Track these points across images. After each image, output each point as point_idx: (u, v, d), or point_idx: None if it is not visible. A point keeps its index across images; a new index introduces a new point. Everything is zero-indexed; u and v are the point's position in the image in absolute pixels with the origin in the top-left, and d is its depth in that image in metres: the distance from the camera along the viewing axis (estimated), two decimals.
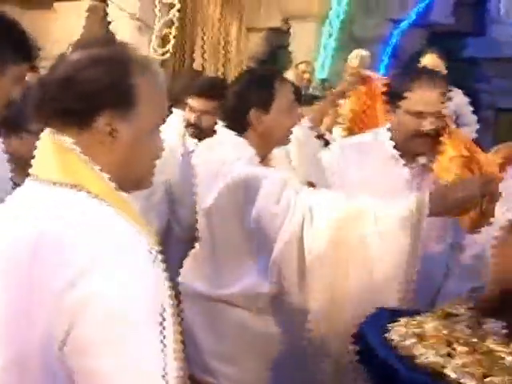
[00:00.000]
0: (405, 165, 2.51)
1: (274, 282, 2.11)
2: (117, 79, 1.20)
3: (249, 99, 2.26)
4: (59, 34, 5.59)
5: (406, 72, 2.76)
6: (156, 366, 1.10)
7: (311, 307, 2.09)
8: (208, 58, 5.73)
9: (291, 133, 2.37)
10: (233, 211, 2.19)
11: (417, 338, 1.69)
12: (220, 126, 2.39)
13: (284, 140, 2.37)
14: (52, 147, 1.21)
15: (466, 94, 5.83)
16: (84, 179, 1.18)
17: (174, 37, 5.40)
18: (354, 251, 2.04)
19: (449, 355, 1.62)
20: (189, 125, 3.16)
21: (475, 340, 1.69)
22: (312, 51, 7.64)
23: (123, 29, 5.49)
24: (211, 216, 2.25)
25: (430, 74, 2.49)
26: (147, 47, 5.39)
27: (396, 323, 1.78)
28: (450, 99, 2.67)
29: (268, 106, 2.25)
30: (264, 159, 2.33)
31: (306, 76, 6.59)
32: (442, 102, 2.37)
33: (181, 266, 2.44)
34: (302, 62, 6.84)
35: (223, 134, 2.36)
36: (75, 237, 1.11)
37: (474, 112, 5.91)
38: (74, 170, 1.19)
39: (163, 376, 1.10)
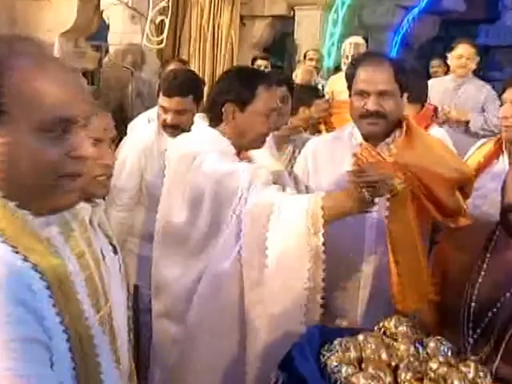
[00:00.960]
0: None
1: None
2: None
3: (228, 93, 2.25)
4: (52, 23, 5.49)
5: (357, 57, 2.85)
6: None
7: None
8: (196, 47, 5.59)
9: (264, 138, 2.33)
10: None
11: (355, 365, 1.57)
12: (197, 117, 2.40)
13: (256, 144, 2.33)
14: None
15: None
16: None
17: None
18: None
19: None
20: (165, 125, 2.98)
21: (420, 363, 1.58)
22: (317, 39, 7.47)
23: (116, 17, 5.36)
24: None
25: (374, 56, 2.49)
26: (140, 36, 5.25)
27: (331, 346, 1.64)
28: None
29: (244, 106, 2.24)
30: (240, 154, 2.30)
31: (312, 64, 6.34)
32: (389, 84, 2.29)
33: None
34: (309, 50, 6.64)
35: (198, 125, 2.35)
36: None
37: None
38: None
39: None
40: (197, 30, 5.70)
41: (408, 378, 1.54)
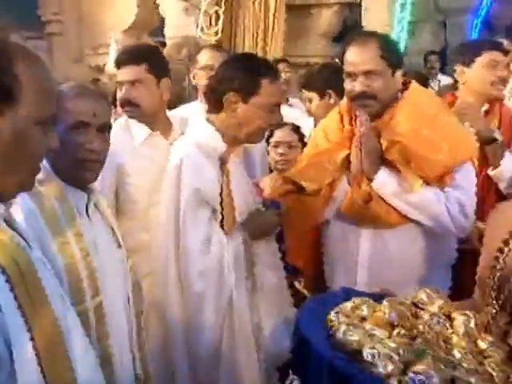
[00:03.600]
0: None
1: None
2: None
3: (231, 82, 2.20)
4: (113, 21, 5.64)
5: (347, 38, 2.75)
6: None
7: None
8: (249, 35, 5.53)
9: (262, 134, 2.32)
10: None
11: (354, 319, 1.51)
12: (195, 104, 2.45)
13: (252, 138, 2.29)
14: None
15: None
16: None
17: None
18: None
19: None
20: (121, 103, 2.62)
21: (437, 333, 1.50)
22: (386, 25, 7.23)
23: (170, 10, 5.42)
24: None
25: (361, 35, 2.43)
26: (195, 28, 5.29)
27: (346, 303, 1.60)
28: None
29: (248, 96, 2.19)
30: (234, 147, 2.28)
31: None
32: (374, 64, 2.20)
33: None
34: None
35: (197, 119, 2.34)
36: None
37: None
38: None
39: None
40: (250, 20, 5.64)
41: (402, 333, 1.46)
